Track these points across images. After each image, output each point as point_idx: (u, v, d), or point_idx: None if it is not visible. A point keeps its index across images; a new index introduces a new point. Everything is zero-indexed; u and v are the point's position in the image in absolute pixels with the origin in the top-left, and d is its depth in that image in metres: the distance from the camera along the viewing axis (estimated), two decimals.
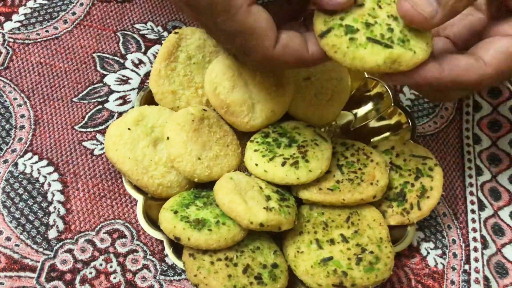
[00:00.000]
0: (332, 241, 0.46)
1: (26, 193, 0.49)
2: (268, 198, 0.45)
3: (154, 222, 0.46)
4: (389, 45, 0.38)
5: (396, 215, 0.48)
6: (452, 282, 0.49)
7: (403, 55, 0.37)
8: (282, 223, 0.44)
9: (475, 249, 0.51)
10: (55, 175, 0.50)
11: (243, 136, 0.53)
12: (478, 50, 0.39)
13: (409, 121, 0.54)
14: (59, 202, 0.49)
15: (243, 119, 0.51)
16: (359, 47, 0.38)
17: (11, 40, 0.57)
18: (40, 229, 0.48)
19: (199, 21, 0.40)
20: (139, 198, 0.47)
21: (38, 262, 0.46)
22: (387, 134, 0.55)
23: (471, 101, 0.60)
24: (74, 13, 0.59)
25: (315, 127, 0.52)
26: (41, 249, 0.47)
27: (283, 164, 0.47)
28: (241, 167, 0.52)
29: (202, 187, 0.49)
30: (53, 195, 0.49)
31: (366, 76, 0.57)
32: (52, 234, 0.48)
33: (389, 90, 0.56)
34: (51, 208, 0.49)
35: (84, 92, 0.55)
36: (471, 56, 0.38)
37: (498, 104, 0.60)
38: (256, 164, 0.48)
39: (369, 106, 0.57)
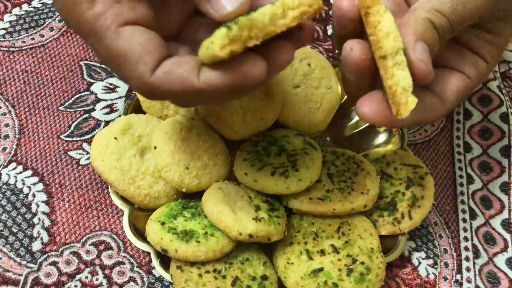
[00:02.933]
0: (322, 252, 0.45)
1: (9, 204, 0.48)
2: (257, 208, 0.45)
3: (141, 234, 0.45)
4: None
5: (387, 224, 0.48)
6: None
7: None
8: (271, 234, 0.43)
9: (467, 259, 0.51)
10: (40, 186, 0.49)
11: (232, 145, 0.52)
12: (438, 86, 0.39)
13: (400, 129, 0.53)
14: (43, 213, 0.48)
15: (232, 127, 0.50)
16: None
17: None
18: (23, 241, 0.46)
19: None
20: (126, 209, 0.46)
21: (21, 275, 0.45)
22: (378, 142, 0.55)
23: (461, 109, 0.60)
24: (61, 21, 0.58)
25: (305, 135, 0.52)
26: (24, 262, 0.46)
27: (273, 173, 0.47)
28: (230, 176, 0.51)
29: (190, 197, 0.48)
30: (38, 206, 0.48)
31: None
32: (36, 246, 0.46)
33: None
34: (35, 220, 0.48)
35: (71, 101, 0.54)
36: (434, 96, 0.39)
37: (489, 112, 0.59)
38: (246, 174, 0.48)
39: None
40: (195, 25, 0.38)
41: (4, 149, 0.51)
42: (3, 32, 0.57)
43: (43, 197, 0.49)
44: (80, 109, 0.54)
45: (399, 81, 0.34)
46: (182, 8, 0.39)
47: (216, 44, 0.31)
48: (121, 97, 0.55)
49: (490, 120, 0.59)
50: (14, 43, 0.56)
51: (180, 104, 0.38)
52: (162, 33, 0.35)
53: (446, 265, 0.50)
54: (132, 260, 0.47)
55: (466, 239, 0.52)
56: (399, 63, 0.35)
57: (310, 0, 0.34)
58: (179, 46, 0.38)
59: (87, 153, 0.51)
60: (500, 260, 0.51)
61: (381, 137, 0.55)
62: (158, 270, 0.44)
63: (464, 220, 0.53)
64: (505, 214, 0.54)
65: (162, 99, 0.36)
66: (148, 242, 0.44)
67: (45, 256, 0.46)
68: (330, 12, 0.64)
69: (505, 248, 0.52)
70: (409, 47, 0.35)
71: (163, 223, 0.43)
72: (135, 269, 0.47)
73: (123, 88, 0.56)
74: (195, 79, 0.32)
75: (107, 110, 0.54)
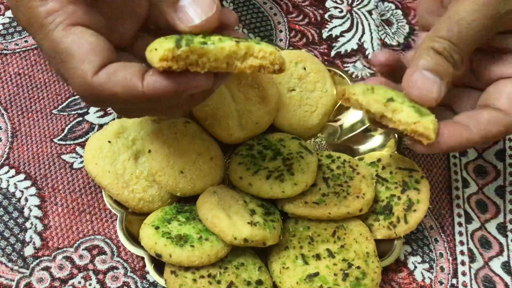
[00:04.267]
0: (318, 256, 0.45)
1: (1, 209, 0.47)
2: (252, 212, 0.44)
3: (135, 238, 0.45)
4: None
5: (382, 228, 0.48)
6: None
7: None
8: (267, 238, 0.42)
9: (463, 263, 0.51)
10: (33, 190, 0.49)
11: (227, 149, 0.52)
12: (490, 99, 0.41)
13: (396, 135, 0.53)
14: (36, 217, 0.47)
15: (227, 131, 0.50)
16: None
17: None
18: (15, 246, 0.46)
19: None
20: (119, 213, 0.46)
21: (13, 281, 0.44)
22: (373, 146, 0.54)
23: None
24: None
25: (300, 139, 0.51)
26: (16, 267, 0.45)
27: (268, 177, 0.46)
28: (225, 180, 0.50)
29: (185, 202, 0.48)
30: (30, 210, 0.48)
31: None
32: (28, 251, 0.46)
33: None
34: (27, 224, 0.47)
35: (64, 104, 0.54)
36: (490, 109, 0.40)
37: None
38: (241, 178, 0.47)
39: (355, 117, 0.56)
40: (148, 39, 0.36)
41: None
42: None
43: (36, 201, 0.48)
44: (73, 112, 0.53)
45: (406, 121, 0.38)
46: (135, 21, 0.39)
47: (157, 53, 0.30)
48: None
49: None
50: (7, 46, 0.56)
51: (122, 112, 0.38)
52: (113, 43, 0.35)
53: (442, 269, 0.50)
54: (125, 265, 0.46)
55: (461, 243, 0.52)
56: (395, 109, 0.39)
57: (275, 58, 0.33)
58: (129, 56, 0.38)
59: (81, 156, 0.51)
60: (496, 264, 0.51)
61: (377, 141, 0.54)
62: (152, 275, 0.43)
63: (460, 224, 0.53)
64: (500, 218, 0.54)
65: (103, 103, 0.34)
66: (142, 247, 0.44)
67: (37, 261, 0.45)
68: (325, 16, 0.64)
69: (500, 252, 0.52)
70: (406, 79, 0.40)
71: (157, 228, 0.43)
72: (128, 274, 0.46)
73: None
74: (138, 82, 0.32)
75: (101, 113, 0.54)
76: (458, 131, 0.40)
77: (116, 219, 0.46)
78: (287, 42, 0.62)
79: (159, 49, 0.30)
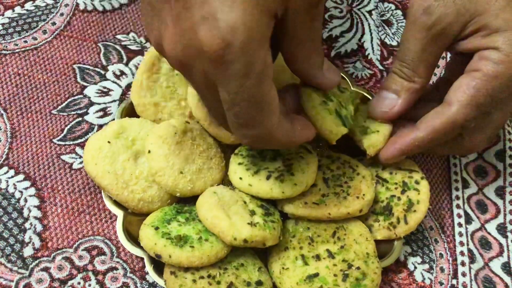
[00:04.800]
0: (318, 257, 0.45)
1: (0, 209, 0.47)
2: (252, 213, 0.44)
3: (134, 239, 0.45)
4: (346, 125, 0.47)
5: (382, 229, 0.48)
6: None
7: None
8: (267, 239, 0.42)
9: (463, 263, 0.51)
10: (32, 190, 0.49)
11: (227, 149, 0.52)
12: (445, 95, 0.45)
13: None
14: (35, 218, 0.47)
15: (227, 131, 0.49)
16: (326, 110, 0.46)
17: None
18: (15, 246, 0.46)
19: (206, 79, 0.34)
20: (119, 213, 0.46)
21: (12, 281, 0.44)
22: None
23: None
24: (54, 23, 0.58)
25: None
26: (15, 268, 0.45)
27: (268, 177, 0.46)
28: (225, 180, 0.50)
29: (185, 202, 0.48)
30: (30, 211, 0.48)
31: (352, 88, 0.56)
32: (27, 251, 0.46)
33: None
34: (27, 225, 0.47)
35: (64, 104, 0.54)
36: (437, 104, 0.45)
37: None
38: (241, 178, 0.47)
39: None
40: None
41: None
42: None
43: (35, 201, 0.48)
44: (73, 112, 0.53)
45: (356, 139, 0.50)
46: None
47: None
48: (114, 101, 0.55)
49: None
50: (7, 46, 0.55)
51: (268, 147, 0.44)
52: None
53: (442, 270, 0.50)
54: (125, 265, 0.46)
55: (461, 243, 0.52)
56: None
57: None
58: None
59: (80, 157, 0.51)
60: (496, 265, 0.51)
61: None
62: (152, 276, 0.43)
63: (460, 225, 0.53)
64: (500, 219, 0.54)
65: (264, 146, 0.44)
66: (141, 247, 0.43)
67: (36, 261, 0.45)
68: (325, 16, 0.64)
69: (500, 253, 0.52)
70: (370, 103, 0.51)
71: (156, 228, 0.43)
72: (128, 274, 0.46)
73: (116, 91, 0.55)
74: (292, 134, 0.40)
75: (101, 113, 0.54)
76: (398, 138, 0.47)
77: (116, 220, 0.46)
78: None
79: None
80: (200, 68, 0.33)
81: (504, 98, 0.44)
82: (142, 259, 0.45)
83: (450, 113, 0.44)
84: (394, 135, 0.48)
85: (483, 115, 0.45)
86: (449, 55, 0.63)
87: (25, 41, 0.56)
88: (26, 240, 0.46)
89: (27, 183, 0.49)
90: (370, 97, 0.55)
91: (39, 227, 0.47)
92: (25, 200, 0.48)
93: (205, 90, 0.36)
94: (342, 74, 0.56)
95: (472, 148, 0.49)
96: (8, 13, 0.58)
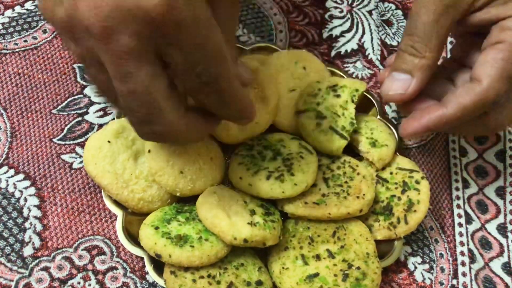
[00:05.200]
0: (318, 257, 0.45)
1: (0, 209, 0.47)
2: (252, 212, 0.44)
3: (134, 238, 0.45)
4: (345, 136, 0.49)
5: (383, 229, 0.47)
6: None
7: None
8: (267, 239, 0.42)
9: (463, 263, 0.51)
10: (32, 190, 0.49)
11: (227, 149, 0.52)
12: (473, 72, 0.42)
13: (395, 133, 0.53)
14: (35, 217, 0.47)
15: (227, 131, 0.49)
16: (321, 132, 0.50)
17: None
18: (14, 246, 0.46)
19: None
20: (119, 213, 0.46)
21: (12, 281, 0.44)
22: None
23: None
24: None
25: (300, 139, 0.51)
26: (15, 267, 0.45)
27: (268, 177, 0.46)
28: (225, 180, 0.50)
29: (185, 202, 0.48)
30: (30, 210, 0.48)
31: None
32: (27, 251, 0.46)
33: (375, 102, 0.55)
34: (27, 224, 0.47)
35: (64, 104, 0.54)
36: (468, 82, 0.42)
37: None
38: (241, 178, 0.47)
39: None
40: None
41: None
42: None
43: (35, 201, 0.48)
44: (73, 112, 0.53)
45: (361, 150, 0.51)
46: None
47: None
48: None
49: None
50: (7, 45, 0.55)
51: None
52: None
53: (442, 270, 0.50)
54: (125, 265, 0.46)
55: (462, 243, 0.52)
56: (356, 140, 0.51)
57: None
58: None
59: (80, 156, 0.51)
60: (496, 265, 0.51)
61: None
62: (152, 276, 0.43)
63: (460, 225, 0.53)
64: (500, 219, 0.54)
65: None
66: (141, 247, 0.43)
67: (36, 261, 0.45)
68: (326, 16, 0.64)
69: (501, 253, 0.52)
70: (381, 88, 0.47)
71: (156, 228, 0.43)
72: (128, 274, 0.46)
73: None
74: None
75: (101, 113, 0.54)
76: (423, 114, 0.44)
77: (116, 219, 0.46)
78: (287, 42, 0.61)
79: None
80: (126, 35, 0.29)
81: None
82: (142, 258, 0.45)
83: (481, 89, 0.41)
84: (414, 111, 0.46)
85: None
86: (449, 48, 0.63)
87: (25, 41, 0.56)
88: (26, 239, 0.46)
89: (27, 183, 0.49)
90: (372, 99, 0.55)
91: (39, 227, 0.47)
92: (25, 200, 0.48)
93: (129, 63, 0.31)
94: (341, 73, 0.56)
95: (497, 127, 0.46)
96: (8, 12, 0.58)
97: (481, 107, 0.42)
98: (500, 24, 0.42)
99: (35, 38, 0.56)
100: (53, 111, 0.53)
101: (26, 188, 0.49)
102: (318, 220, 0.47)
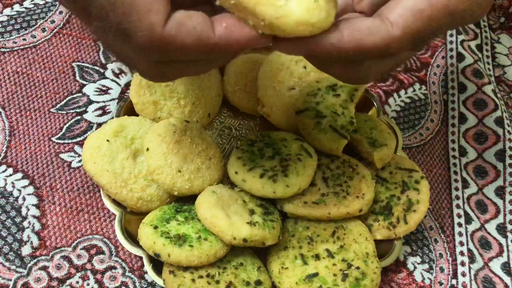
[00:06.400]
0: (317, 257, 0.44)
1: None
2: (252, 212, 0.44)
3: (133, 238, 0.45)
4: (345, 135, 0.49)
5: (382, 229, 0.47)
6: None
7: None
8: (266, 238, 0.42)
9: (462, 263, 0.51)
10: (31, 189, 0.48)
11: (226, 149, 0.51)
12: (384, 10, 0.32)
13: (395, 133, 0.53)
14: (34, 217, 0.47)
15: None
16: (320, 132, 0.49)
17: None
18: (13, 245, 0.46)
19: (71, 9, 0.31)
20: (118, 212, 0.46)
21: (10, 280, 0.44)
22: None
23: (456, 112, 0.60)
24: (53, 21, 0.58)
25: (304, 141, 0.51)
26: (13, 267, 0.45)
27: (262, 175, 0.46)
28: (224, 180, 0.50)
29: (184, 201, 0.48)
30: (28, 209, 0.47)
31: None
32: (26, 250, 0.45)
33: (374, 102, 0.55)
34: (25, 223, 0.47)
35: (63, 103, 0.53)
36: (375, 17, 0.32)
37: (484, 116, 0.59)
38: (236, 172, 0.47)
39: None
40: None
41: None
42: None
43: (34, 200, 0.48)
44: (72, 111, 0.53)
45: (362, 150, 0.51)
46: None
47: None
48: (113, 99, 0.54)
49: (485, 124, 0.59)
50: (5, 44, 0.55)
51: (186, 69, 0.34)
52: None
53: (442, 269, 0.50)
54: (124, 264, 0.46)
55: (461, 243, 0.52)
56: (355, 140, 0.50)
57: None
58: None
59: (79, 155, 0.51)
60: (496, 265, 0.51)
61: None
62: (151, 275, 0.43)
63: (460, 225, 0.53)
64: (500, 219, 0.53)
65: (169, 55, 0.31)
66: (140, 247, 0.43)
67: (35, 260, 0.45)
68: None
69: (500, 253, 0.51)
70: None
71: (155, 227, 0.43)
72: (127, 274, 0.46)
73: (115, 90, 0.55)
74: (210, 33, 0.29)
75: (100, 112, 0.53)
76: (325, 34, 0.31)
77: (115, 219, 0.46)
78: None
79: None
80: None
81: (439, 30, 0.33)
82: (141, 258, 0.45)
83: (390, 37, 0.31)
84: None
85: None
86: (449, 52, 0.63)
87: (24, 39, 0.56)
88: (25, 238, 0.46)
89: (25, 182, 0.49)
90: (371, 98, 0.55)
91: (37, 226, 0.47)
92: (24, 199, 0.48)
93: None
94: None
95: (363, 78, 0.36)
96: (7, 11, 0.57)
97: (380, 53, 0.32)
98: None
99: (34, 36, 0.56)
100: (52, 109, 0.53)
101: (24, 187, 0.48)
102: (318, 219, 0.47)
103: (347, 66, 0.34)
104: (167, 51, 0.30)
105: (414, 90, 0.61)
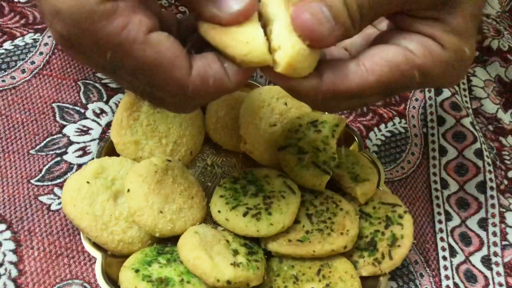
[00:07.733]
0: None
1: None
2: (235, 252, 0.43)
3: (114, 282, 0.43)
4: (327, 171, 0.49)
5: (367, 265, 0.47)
6: None
7: None
8: (250, 279, 0.41)
9: None
10: (8, 234, 0.47)
11: (209, 188, 0.51)
12: (364, 56, 0.35)
13: (377, 167, 0.53)
14: (10, 263, 0.46)
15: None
16: (303, 168, 0.49)
17: None
18: None
19: (90, 64, 0.34)
20: (98, 255, 0.44)
21: None
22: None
23: (436, 145, 0.61)
24: (33, 62, 0.57)
25: (286, 177, 0.51)
26: None
27: (245, 214, 0.46)
28: (206, 219, 0.50)
29: (166, 242, 0.47)
30: (5, 255, 0.46)
31: None
32: None
33: (355, 137, 0.56)
34: (1, 270, 0.45)
35: (42, 144, 0.53)
36: (353, 61, 0.35)
37: (463, 148, 0.60)
38: (219, 211, 0.47)
39: None
40: None
41: None
42: None
43: (11, 245, 0.46)
44: (51, 152, 0.52)
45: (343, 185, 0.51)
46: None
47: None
48: (94, 139, 0.54)
49: (465, 156, 0.60)
50: None
51: (196, 103, 0.37)
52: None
53: None
54: None
55: (447, 277, 0.51)
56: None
57: None
58: None
59: (58, 197, 0.50)
60: None
61: None
62: None
63: (445, 258, 0.53)
64: (484, 251, 0.54)
65: (194, 102, 0.36)
66: None
67: None
68: None
69: (486, 286, 0.51)
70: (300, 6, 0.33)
71: (137, 271, 0.42)
72: None
73: (96, 130, 0.54)
74: (226, 79, 0.33)
75: (80, 152, 0.53)
76: (307, 79, 0.35)
77: (95, 262, 0.45)
78: (268, 78, 0.62)
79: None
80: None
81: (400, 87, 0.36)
82: None
83: (365, 82, 0.34)
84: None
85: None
86: None
87: (3, 80, 0.56)
88: (0, 286, 0.44)
89: (2, 226, 0.47)
90: (352, 133, 0.56)
91: (14, 272, 0.45)
92: (0, 244, 0.46)
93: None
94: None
95: (331, 110, 0.46)
96: None
97: (350, 97, 0.35)
98: (419, 37, 0.35)
99: (13, 78, 0.56)
100: (31, 151, 0.52)
101: (1, 232, 0.47)
102: (303, 257, 0.46)
103: (324, 100, 0.37)
104: (193, 97, 0.34)
105: (394, 124, 0.62)
